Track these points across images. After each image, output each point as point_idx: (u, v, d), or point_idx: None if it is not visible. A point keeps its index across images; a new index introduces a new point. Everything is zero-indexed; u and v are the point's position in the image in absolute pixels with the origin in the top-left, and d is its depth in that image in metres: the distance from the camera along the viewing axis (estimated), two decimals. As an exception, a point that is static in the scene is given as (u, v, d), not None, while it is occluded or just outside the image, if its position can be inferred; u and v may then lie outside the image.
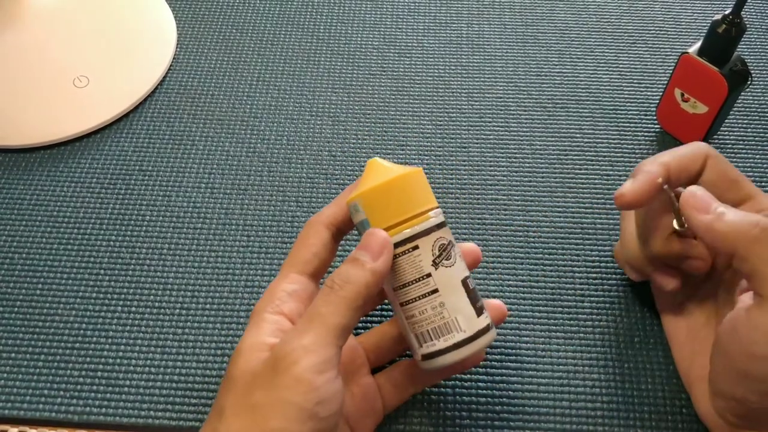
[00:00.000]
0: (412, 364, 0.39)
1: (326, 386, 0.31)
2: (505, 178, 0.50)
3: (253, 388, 0.32)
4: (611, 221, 0.48)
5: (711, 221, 0.34)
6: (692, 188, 0.36)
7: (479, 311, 0.36)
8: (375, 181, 0.35)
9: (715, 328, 0.39)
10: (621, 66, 0.57)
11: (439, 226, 0.35)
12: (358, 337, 0.41)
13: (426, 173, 0.50)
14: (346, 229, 0.38)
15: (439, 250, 0.35)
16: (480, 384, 0.42)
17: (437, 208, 0.36)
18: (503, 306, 0.40)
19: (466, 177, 0.51)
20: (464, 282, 0.35)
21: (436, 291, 0.35)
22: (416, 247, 0.35)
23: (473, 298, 0.36)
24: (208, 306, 0.45)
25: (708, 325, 0.40)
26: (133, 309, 0.45)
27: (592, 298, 0.45)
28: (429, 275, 0.35)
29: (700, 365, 0.39)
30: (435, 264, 0.35)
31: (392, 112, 0.54)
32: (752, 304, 0.33)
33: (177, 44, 0.58)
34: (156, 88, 0.55)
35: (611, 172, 0.51)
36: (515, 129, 0.53)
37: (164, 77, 0.56)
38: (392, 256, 0.34)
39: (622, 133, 0.53)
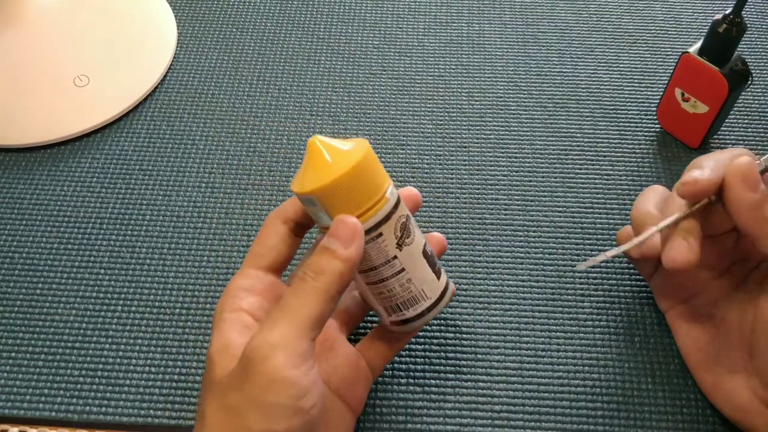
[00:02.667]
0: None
1: (304, 379, 0.31)
2: (505, 177, 0.50)
3: (228, 390, 0.32)
4: (611, 221, 0.48)
5: (758, 201, 0.33)
6: (743, 159, 0.34)
7: (438, 273, 0.37)
8: (326, 171, 0.33)
9: (740, 319, 0.38)
10: (621, 66, 0.57)
11: (397, 204, 0.35)
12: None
13: (426, 173, 0.51)
14: (308, 223, 0.38)
15: (400, 231, 0.35)
16: (480, 384, 0.42)
17: (390, 184, 0.35)
18: (442, 238, 0.41)
19: (466, 177, 0.51)
20: (423, 251, 0.36)
21: (402, 270, 0.35)
22: (381, 234, 0.34)
23: (432, 262, 0.37)
24: (208, 306, 0.45)
25: (729, 321, 0.39)
26: (133, 308, 0.45)
27: (592, 298, 0.45)
28: (395, 257, 0.35)
29: (727, 361, 0.38)
30: (399, 246, 0.35)
31: (392, 112, 0.54)
32: None
33: (177, 43, 0.58)
34: (156, 87, 0.55)
35: (611, 172, 0.51)
36: (515, 129, 0.53)
37: (165, 76, 0.56)
38: (363, 242, 0.33)
39: (622, 132, 0.53)
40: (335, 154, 0.33)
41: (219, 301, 0.36)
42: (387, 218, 0.34)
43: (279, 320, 0.32)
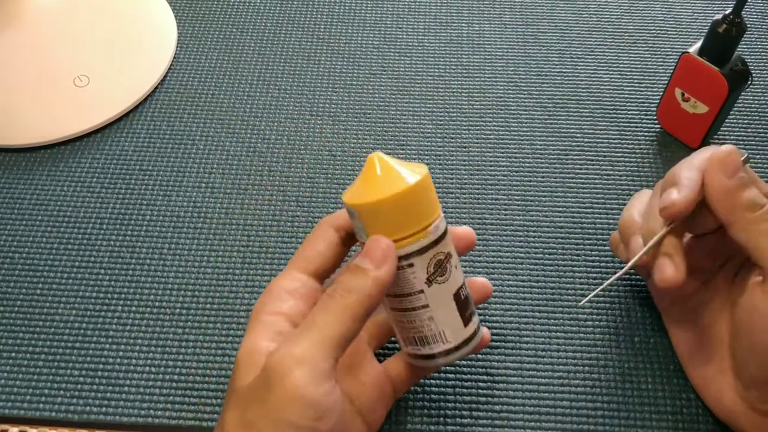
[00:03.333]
0: None
1: (325, 399, 0.31)
2: (505, 177, 0.50)
3: (248, 403, 0.31)
4: (611, 221, 0.48)
5: (733, 187, 0.35)
6: (726, 147, 0.35)
7: (467, 320, 0.36)
8: (374, 189, 0.33)
9: (726, 319, 0.38)
10: (621, 66, 0.57)
11: (438, 240, 0.34)
12: None
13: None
14: None
15: (434, 267, 0.34)
16: (481, 384, 0.42)
17: (438, 218, 0.34)
18: (488, 285, 0.40)
19: (466, 177, 0.51)
20: (456, 294, 0.35)
21: (426, 306, 0.35)
22: (411, 265, 0.34)
23: (463, 307, 0.36)
24: (208, 306, 0.45)
25: (719, 321, 0.39)
26: (134, 309, 0.45)
27: (593, 298, 0.45)
28: (422, 291, 0.34)
29: (716, 362, 0.38)
30: (429, 281, 0.34)
31: (392, 112, 0.54)
32: (763, 280, 0.34)
33: (177, 44, 0.58)
34: (156, 87, 0.55)
35: (611, 172, 0.51)
36: (515, 129, 0.53)
37: (165, 77, 0.56)
38: (395, 265, 0.33)
39: (622, 132, 0.53)
40: (390, 175, 0.33)
41: (259, 299, 0.36)
42: (423, 251, 0.34)
43: (304, 335, 0.32)
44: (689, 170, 0.36)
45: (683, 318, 0.41)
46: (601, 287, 0.38)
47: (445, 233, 0.35)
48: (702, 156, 0.37)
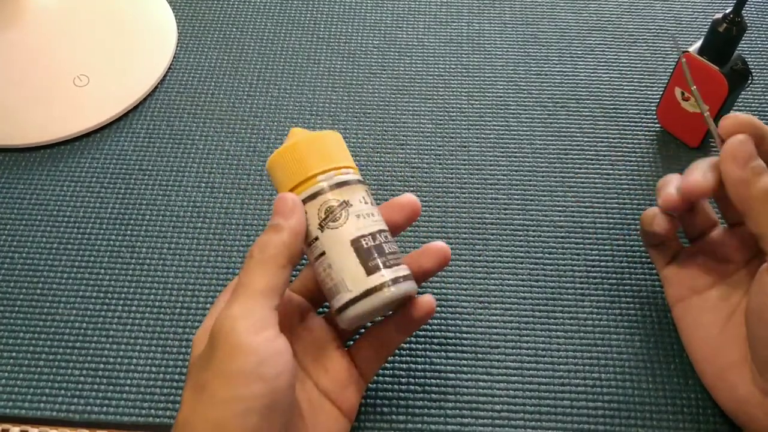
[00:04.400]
0: (376, 329, 0.39)
1: (265, 345, 0.32)
2: (505, 177, 0.50)
3: (199, 369, 0.33)
4: (611, 220, 0.48)
5: (745, 178, 0.35)
6: (739, 137, 0.36)
7: (371, 270, 0.35)
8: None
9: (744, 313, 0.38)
10: (621, 65, 0.57)
11: (330, 188, 0.36)
12: (322, 315, 0.40)
13: (426, 173, 0.51)
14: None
15: (325, 213, 0.36)
16: (481, 383, 0.42)
17: (334, 169, 0.37)
18: (443, 248, 0.39)
19: (466, 176, 0.51)
20: (356, 241, 0.35)
21: (323, 254, 0.36)
22: (305, 212, 0.36)
23: (365, 256, 0.35)
24: (208, 305, 0.45)
25: (737, 314, 0.39)
26: (134, 308, 0.45)
27: (593, 298, 0.45)
28: (316, 238, 0.36)
29: (732, 354, 0.38)
30: (321, 227, 0.36)
31: (392, 111, 0.54)
32: None
33: (177, 43, 0.58)
34: (156, 87, 0.55)
35: (611, 172, 0.51)
36: (515, 128, 0.53)
37: (164, 76, 0.56)
38: (304, 213, 0.35)
39: (622, 132, 0.53)
40: (290, 139, 0.37)
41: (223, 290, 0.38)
42: (312, 197, 0.36)
43: (237, 296, 0.33)
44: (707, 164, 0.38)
45: (701, 310, 0.40)
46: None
47: (340, 184, 0.36)
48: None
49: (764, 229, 0.35)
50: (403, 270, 0.36)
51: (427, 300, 0.38)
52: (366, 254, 0.35)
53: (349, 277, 0.35)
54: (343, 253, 0.35)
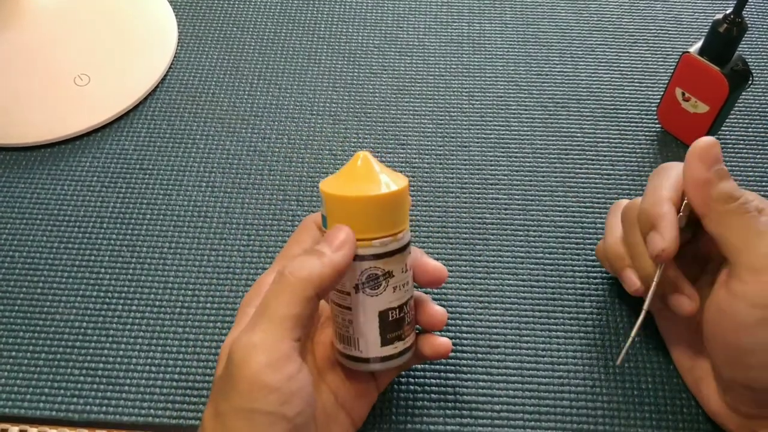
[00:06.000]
0: None
1: (288, 384, 0.30)
2: (505, 177, 0.50)
3: (218, 396, 0.32)
4: (612, 221, 0.48)
5: (707, 179, 0.35)
6: (707, 139, 0.36)
7: (387, 341, 0.36)
8: (348, 185, 0.34)
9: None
10: (622, 65, 0.57)
11: (379, 256, 0.34)
12: None
13: (426, 173, 0.51)
14: None
15: (366, 279, 0.34)
16: (481, 383, 0.42)
17: (390, 236, 0.34)
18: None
19: (466, 176, 0.51)
20: (384, 313, 0.35)
21: (349, 309, 0.35)
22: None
23: (387, 328, 0.36)
24: (208, 305, 0.45)
25: (701, 325, 0.39)
26: (134, 308, 0.45)
27: (593, 298, 0.45)
28: (348, 294, 0.35)
29: (703, 364, 0.39)
30: (356, 288, 0.35)
31: (393, 111, 0.54)
32: (727, 277, 0.34)
33: (178, 42, 0.58)
34: (157, 86, 0.55)
35: (612, 172, 0.51)
36: (516, 128, 0.53)
37: (165, 76, 0.56)
38: (353, 254, 0.33)
39: (622, 132, 0.53)
40: (366, 176, 0.35)
41: (247, 294, 0.36)
42: (360, 258, 0.34)
43: (258, 320, 0.32)
44: (660, 203, 0.36)
45: (673, 323, 0.41)
46: (630, 339, 0.38)
47: (392, 252, 0.35)
48: (672, 174, 0.37)
49: (722, 230, 0.35)
50: (411, 338, 0.37)
51: (442, 343, 0.38)
52: (388, 327, 0.36)
53: (365, 342, 0.36)
54: (369, 320, 0.35)
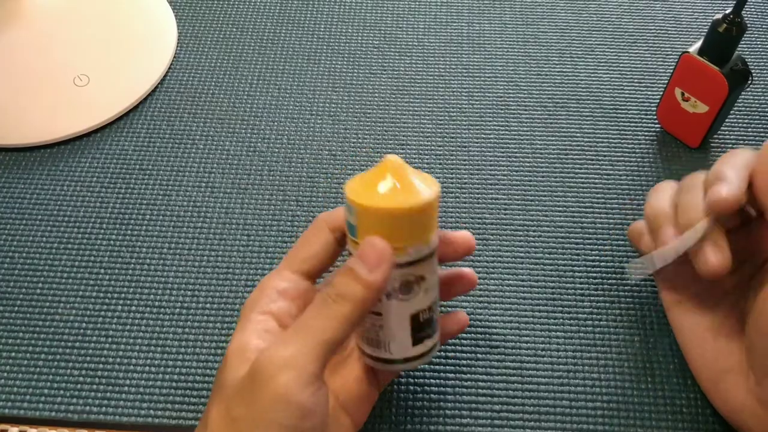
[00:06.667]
0: None
1: (309, 400, 0.31)
2: (505, 177, 0.50)
3: (234, 401, 0.32)
4: (611, 220, 0.48)
5: None
6: None
7: (418, 341, 0.36)
8: (379, 194, 0.33)
9: (742, 315, 0.38)
10: (621, 65, 0.57)
11: (413, 263, 0.34)
12: None
13: (426, 172, 0.50)
14: None
15: (399, 285, 0.34)
16: (480, 383, 0.42)
17: (422, 242, 0.34)
18: (471, 274, 0.39)
19: (466, 176, 0.51)
20: (415, 315, 0.35)
21: (380, 314, 0.35)
22: None
23: (418, 329, 0.35)
24: (208, 305, 0.45)
25: (731, 317, 0.39)
26: (134, 308, 0.45)
27: (592, 298, 0.45)
28: (380, 300, 0.34)
29: (726, 359, 0.38)
30: (389, 295, 0.34)
31: (392, 111, 0.54)
32: None
33: (177, 43, 0.58)
34: (156, 86, 0.55)
35: (611, 172, 0.51)
36: (515, 128, 0.53)
37: (164, 76, 0.56)
38: (389, 270, 0.33)
39: (622, 132, 0.53)
40: (401, 183, 0.33)
41: (251, 296, 0.36)
42: (394, 267, 0.33)
43: (295, 338, 0.32)
44: (734, 169, 0.36)
45: (696, 313, 0.40)
46: (654, 261, 0.37)
47: (424, 258, 0.34)
48: (746, 155, 0.37)
49: None
50: (438, 334, 0.37)
51: (460, 319, 0.39)
52: (419, 327, 0.35)
53: (396, 345, 0.35)
54: (400, 324, 0.35)
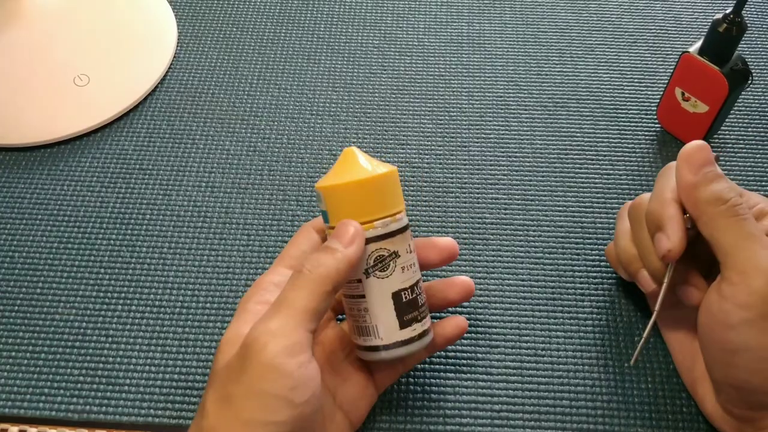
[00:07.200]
0: None
1: (299, 371, 0.32)
2: (505, 177, 0.50)
3: (227, 379, 0.32)
4: (611, 220, 0.48)
5: (695, 183, 0.35)
6: (696, 143, 0.36)
7: (405, 323, 0.36)
8: (340, 176, 0.36)
9: None
10: (621, 65, 0.57)
11: (383, 236, 0.36)
12: (343, 323, 0.41)
13: (426, 172, 0.51)
14: None
15: (374, 261, 0.36)
16: (480, 383, 0.42)
17: (389, 216, 0.36)
18: (468, 282, 0.40)
19: (466, 176, 0.51)
20: (397, 294, 0.36)
21: (363, 297, 0.36)
22: None
23: (403, 310, 0.36)
24: (208, 305, 0.45)
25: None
26: (134, 308, 0.45)
27: (592, 298, 0.45)
28: (359, 281, 0.36)
29: (699, 367, 0.39)
30: (366, 273, 0.36)
31: (393, 111, 0.54)
32: (718, 279, 0.35)
33: (177, 43, 0.58)
34: (156, 86, 0.55)
35: (611, 172, 0.51)
36: (515, 128, 0.53)
37: (165, 76, 0.56)
38: (363, 246, 0.35)
39: (622, 132, 0.53)
40: (355, 166, 0.36)
41: (248, 292, 0.37)
42: (366, 242, 0.35)
43: (277, 311, 0.33)
44: (665, 205, 0.37)
45: (675, 323, 0.41)
46: (643, 340, 0.38)
47: (394, 232, 0.36)
48: (669, 183, 0.37)
49: (712, 233, 0.35)
50: (428, 322, 0.38)
51: (458, 323, 0.40)
52: (403, 308, 0.36)
53: (383, 327, 0.36)
54: (383, 304, 0.36)
